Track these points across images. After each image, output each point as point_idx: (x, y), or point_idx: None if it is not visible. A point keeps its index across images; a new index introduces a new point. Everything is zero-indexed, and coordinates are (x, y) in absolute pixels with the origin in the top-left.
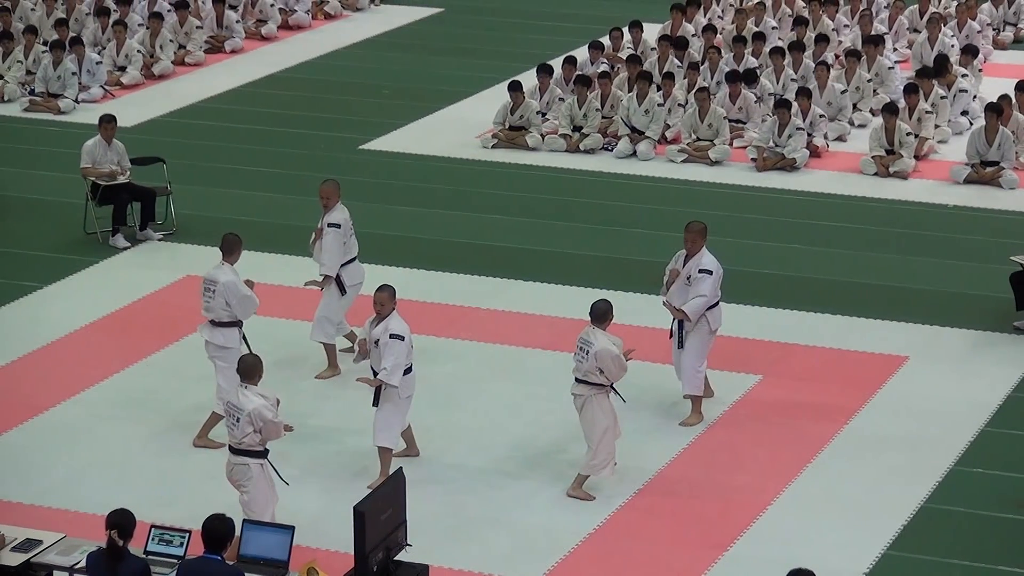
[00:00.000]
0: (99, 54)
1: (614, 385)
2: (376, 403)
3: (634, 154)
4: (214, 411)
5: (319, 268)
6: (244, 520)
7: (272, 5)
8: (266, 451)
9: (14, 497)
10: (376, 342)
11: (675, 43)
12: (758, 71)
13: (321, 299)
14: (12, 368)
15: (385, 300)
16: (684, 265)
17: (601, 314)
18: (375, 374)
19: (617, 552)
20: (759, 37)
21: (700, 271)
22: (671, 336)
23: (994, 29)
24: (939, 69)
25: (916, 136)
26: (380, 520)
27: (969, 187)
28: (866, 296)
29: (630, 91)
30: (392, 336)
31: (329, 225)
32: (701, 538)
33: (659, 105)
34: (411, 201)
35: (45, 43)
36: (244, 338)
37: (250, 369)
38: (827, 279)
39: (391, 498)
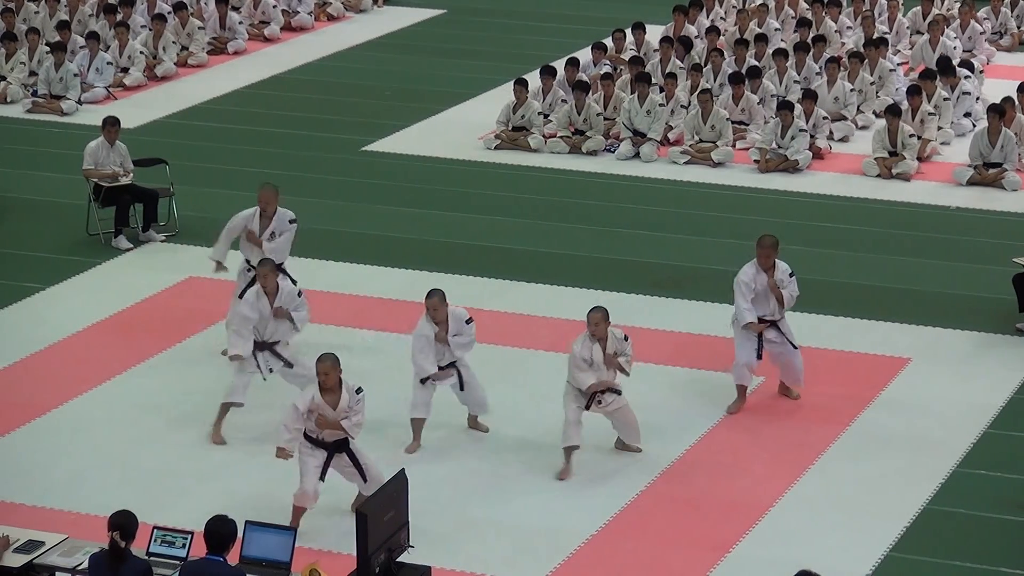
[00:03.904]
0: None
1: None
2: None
3: (636, 156)
4: (222, 402)
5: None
6: (246, 521)
7: (275, 6)
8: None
9: (16, 498)
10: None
11: (682, 43)
12: (760, 72)
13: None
14: (14, 369)
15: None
16: (768, 278)
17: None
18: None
19: (619, 553)
20: (761, 38)
21: (790, 275)
22: (758, 356)
23: (996, 32)
24: (942, 71)
25: (919, 138)
26: (382, 522)
27: (972, 189)
28: (868, 298)
29: (632, 93)
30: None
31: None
32: (703, 539)
33: (660, 105)
34: (413, 202)
35: (47, 44)
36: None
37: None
38: (829, 280)
39: (393, 500)
